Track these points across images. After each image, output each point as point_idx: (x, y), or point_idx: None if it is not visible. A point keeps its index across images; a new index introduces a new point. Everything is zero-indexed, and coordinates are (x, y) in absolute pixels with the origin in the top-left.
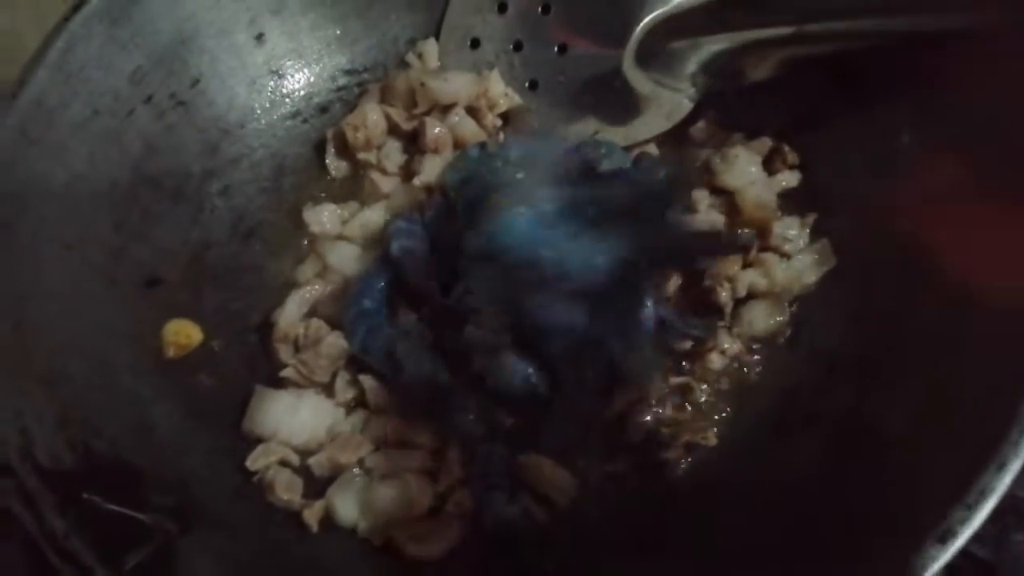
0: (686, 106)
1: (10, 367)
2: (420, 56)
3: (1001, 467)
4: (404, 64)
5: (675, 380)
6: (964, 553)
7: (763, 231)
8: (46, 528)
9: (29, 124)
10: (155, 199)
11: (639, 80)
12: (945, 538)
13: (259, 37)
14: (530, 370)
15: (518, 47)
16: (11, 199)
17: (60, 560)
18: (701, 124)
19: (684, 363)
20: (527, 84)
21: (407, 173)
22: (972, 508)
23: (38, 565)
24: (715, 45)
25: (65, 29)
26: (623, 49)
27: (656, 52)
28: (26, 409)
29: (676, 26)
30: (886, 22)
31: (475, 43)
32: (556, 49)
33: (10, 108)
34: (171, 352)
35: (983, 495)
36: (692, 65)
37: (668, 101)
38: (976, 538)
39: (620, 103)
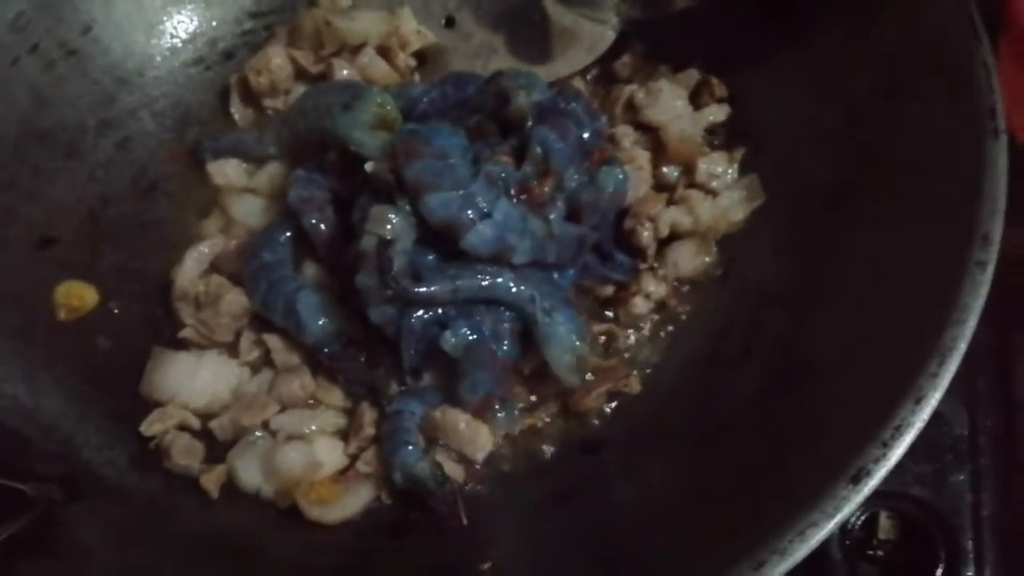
0: (608, 37)
1: None
2: None
3: (919, 400)
4: (312, 3)
5: (598, 327)
6: (904, 495)
7: (688, 167)
8: None
9: None
10: (46, 154)
11: (559, 12)
12: (859, 477)
13: None
14: (435, 324)
15: None
16: None
17: None
18: (626, 58)
19: (607, 310)
20: (443, 21)
21: None
22: (888, 445)
23: None
24: None
25: None
26: None
27: None
28: None
29: None
30: None
31: None
32: None
33: None
34: (63, 315)
35: (899, 431)
36: None
37: (590, 33)
38: (916, 478)
39: (540, 38)
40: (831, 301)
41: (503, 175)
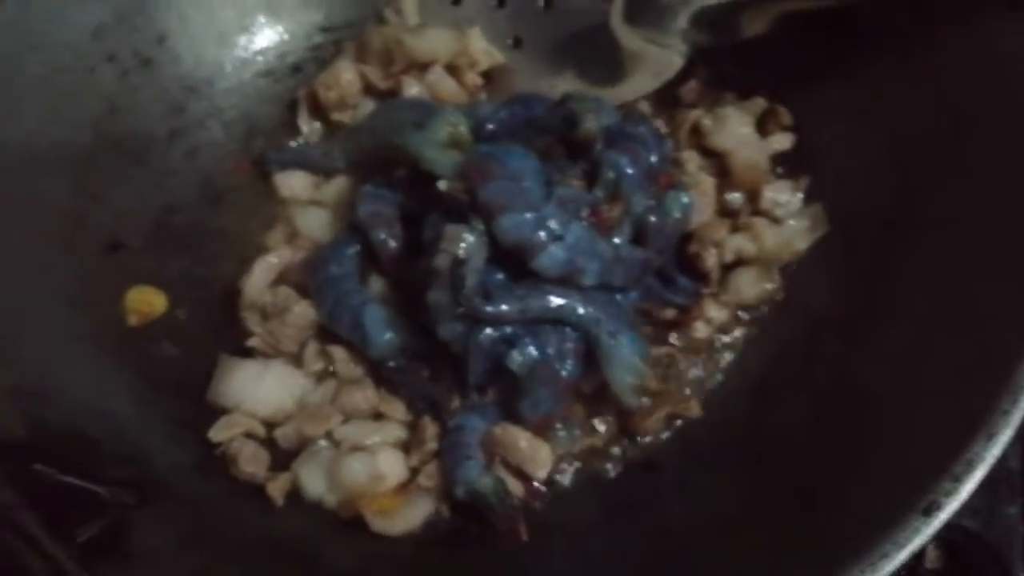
0: (676, 63)
1: None
2: (399, 12)
3: (991, 437)
4: (382, 21)
5: (658, 350)
6: (954, 526)
7: (754, 194)
8: None
9: None
10: (118, 161)
11: (627, 36)
12: (930, 510)
13: None
14: (502, 343)
15: (501, 2)
16: None
17: (9, 532)
18: (692, 84)
19: (668, 333)
20: (510, 41)
21: None
22: (959, 480)
23: None
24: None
25: None
26: (611, 3)
27: (645, 6)
28: None
29: None
30: None
31: None
32: (541, 4)
33: None
34: (133, 320)
35: (971, 466)
36: (682, 20)
37: (657, 58)
38: (968, 510)
39: (607, 61)
40: (890, 331)
41: (574, 198)
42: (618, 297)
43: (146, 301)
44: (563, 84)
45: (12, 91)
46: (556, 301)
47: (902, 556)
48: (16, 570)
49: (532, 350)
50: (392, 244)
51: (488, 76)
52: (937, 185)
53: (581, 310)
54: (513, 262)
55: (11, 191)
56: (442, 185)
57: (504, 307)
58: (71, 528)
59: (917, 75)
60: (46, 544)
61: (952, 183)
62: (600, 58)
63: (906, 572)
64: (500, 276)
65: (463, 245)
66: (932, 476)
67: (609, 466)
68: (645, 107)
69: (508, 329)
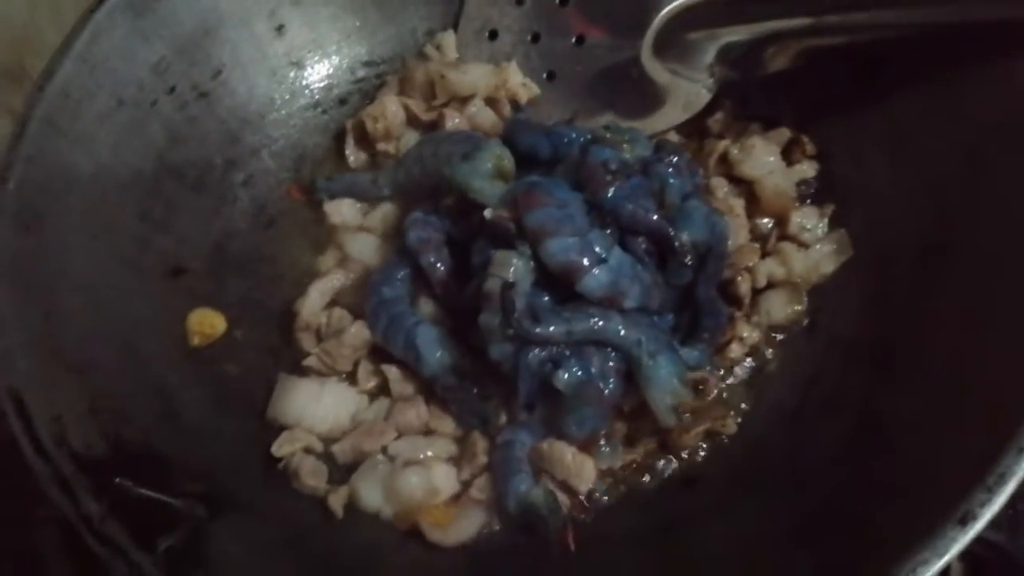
0: (704, 96)
1: (42, 356)
2: (438, 47)
3: (1021, 451)
4: (422, 55)
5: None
6: (978, 539)
7: (782, 220)
8: (83, 512)
9: (57, 115)
10: (178, 189)
11: (657, 70)
12: (965, 520)
13: (279, 28)
14: (549, 363)
15: (535, 38)
16: (40, 190)
17: (97, 542)
18: (719, 115)
19: None
20: (544, 75)
21: None
22: (992, 491)
23: (74, 548)
24: (733, 36)
25: (90, 20)
26: (640, 39)
27: (674, 42)
28: (58, 397)
29: (694, 17)
30: (906, 14)
31: (493, 34)
32: (573, 40)
33: (38, 99)
34: (196, 341)
35: (1003, 478)
36: (710, 55)
37: (686, 91)
38: (991, 523)
39: (637, 93)
40: (920, 355)
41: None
42: (656, 319)
43: (208, 323)
44: (596, 116)
45: (85, 123)
46: (599, 323)
47: (940, 564)
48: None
49: (577, 370)
50: (441, 268)
51: (517, 106)
52: (961, 220)
53: (623, 331)
54: (557, 285)
55: (85, 218)
56: (488, 213)
57: (551, 328)
58: (152, 538)
59: (944, 109)
60: (132, 553)
61: (975, 217)
62: (631, 91)
63: None
64: (546, 299)
65: (512, 269)
66: (967, 488)
67: (650, 481)
68: (673, 137)
69: (554, 350)
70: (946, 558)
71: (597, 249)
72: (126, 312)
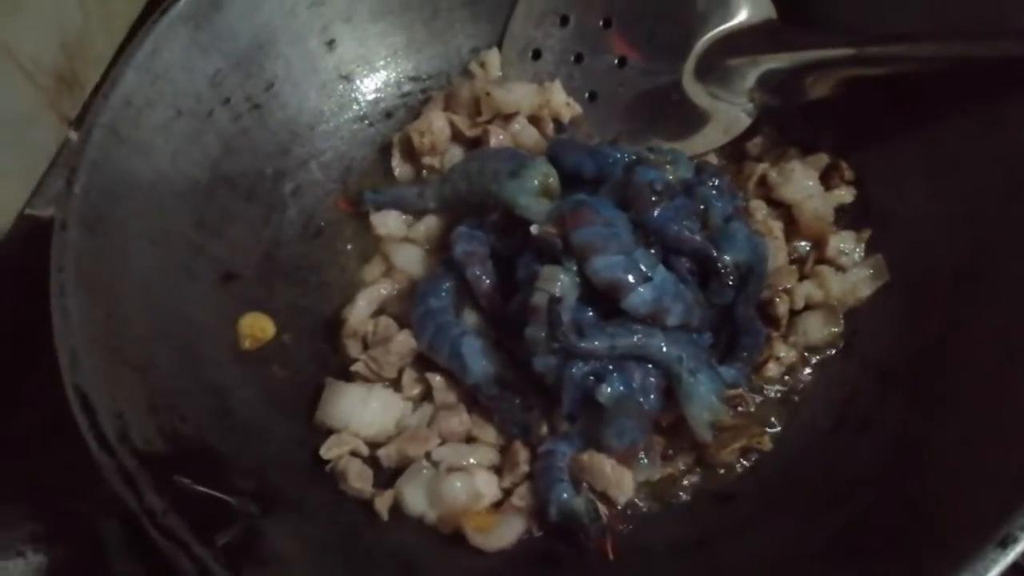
0: (744, 121)
1: (105, 353)
2: (483, 65)
3: None
4: (467, 73)
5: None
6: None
7: (820, 244)
8: (146, 505)
9: (119, 122)
10: (231, 198)
11: (698, 94)
12: (1006, 542)
13: (330, 43)
14: (591, 376)
15: (578, 59)
16: (103, 194)
17: (161, 536)
18: (757, 139)
19: None
20: (586, 95)
21: None
22: None
23: (138, 543)
24: (774, 63)
25: (152, 31)
26: (682, 63)
27: (715, 67)
28: (120, 394)
29: (735, 43)
30: (946, 47)
31: (536, 54)
32: (616, 62)
33: (103, 107)
34: (247, 344)
35: None
36: (750, 81)
37: (726, 115)
38: None
39: (678, 116)
40: (956, 378)
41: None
42: (695, 336)
43: (259, 327)
44: (637, 137)
45: (146, 132)
46: (642, 339)
47: None
48: (170, 571)
49: (619, 384)
50: (486, 281)
51: (562, 127)
52: (996, 249)
53: (665, 348)
54: (602, 301)
55: (145, 223)
56: (535, 229)
57: (596, 343)
58: (211, 533)
59: (981, 137)
60: (194, 547)
61: (1010, 247)
62: (672, 113)
63: None
64: (590, 314)
65: (559, 284)
66: (1007, 511)
67: (686, 495)
68: (713, 159)
69: (597, 364)
70: None
71: (642, 267)
72: (182, 315)
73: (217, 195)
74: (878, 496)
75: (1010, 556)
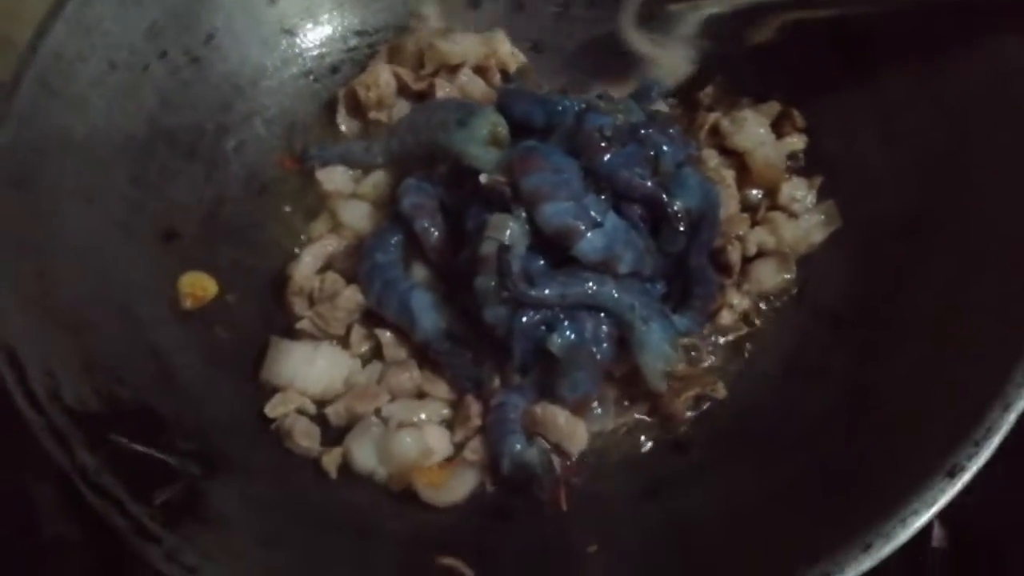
0: (686, 67)
1: (35, 312)
2: (424, 18)
3: (1006, 407)
4: (411, 26)
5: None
6: (959, 505)
7: (772, 191)
8: (78, 463)
9: (49, 76)
10: (171, 154)
11: (639, 41)
12: (954, 472)
13: None
14: (543, 326)
15: (518, 7)
16: (33, 151)
17: (93, 494)
18: (709, 89)
19: None
20: (530, 46)
21: None
22: (979, 444)
23: (73, 505)
24: (715, 7)
25: None
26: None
27: (655, 13)
28: (52, 354)
29: None
30: None
31: (475, 3)
32: (556, 9)
33: (30, 58)
34: (188, 303)
35: (989, 432)
36: (692, 27)
37: (668, 62)
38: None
39: (620, 63)
40: (906, 323)
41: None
42: (647, 286)
43: (200, 285)
44: (580, 84)
45: (78, 86)
46: (593, 287)
47: (931, 513)
48: (104, 528)
49: (570, 333)
50: (435, 233)
51: (507, 76)
52: (946, 195)
53: (616, 296)
54: (552, 250)
55: (79, 180)
56: (484, 178)
57: (546, 291)
58: (148, 492)
59: (930, 85)
60: (129, 505)
61: (959, 192)
62: (614, 60)
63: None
64: (541, 263)
65: (508, 232)
66: (955, 442)
67: (643, 444)
68: (664, 108)
69: (548, 313)
70: (934, 508)
71: (593, 214)
72: (119, 275)
73: (156, 151)
74: (830, 439)
75: (958, 485)
